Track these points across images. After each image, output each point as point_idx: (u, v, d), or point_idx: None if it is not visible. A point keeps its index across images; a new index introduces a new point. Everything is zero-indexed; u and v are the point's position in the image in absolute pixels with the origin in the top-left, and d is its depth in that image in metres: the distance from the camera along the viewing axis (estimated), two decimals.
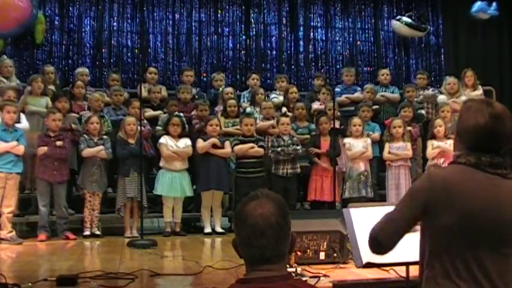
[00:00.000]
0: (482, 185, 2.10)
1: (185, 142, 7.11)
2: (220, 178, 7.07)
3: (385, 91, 8.73)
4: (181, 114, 7.47)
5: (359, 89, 8.79)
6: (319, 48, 10.51)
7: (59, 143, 6.59)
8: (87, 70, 8.60)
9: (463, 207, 2.08)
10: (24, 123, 6.84)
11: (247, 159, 7.15)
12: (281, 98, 8.37)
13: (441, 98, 8.38)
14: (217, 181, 7.04)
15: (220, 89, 8.41)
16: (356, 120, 7.46)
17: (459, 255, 2.09)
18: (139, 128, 6.73)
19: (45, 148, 6.63)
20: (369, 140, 7.44)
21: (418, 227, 2.26)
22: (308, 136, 7.70)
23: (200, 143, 7.07)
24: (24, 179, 7.03)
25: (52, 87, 7.92)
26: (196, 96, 8.35)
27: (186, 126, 7.43)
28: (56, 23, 9.70)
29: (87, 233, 6.77)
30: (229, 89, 8.25)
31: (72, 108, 7.44)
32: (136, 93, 7.86)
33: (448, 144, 6.95)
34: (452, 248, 2.10)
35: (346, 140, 7.39)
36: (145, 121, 7.25)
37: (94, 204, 6.86)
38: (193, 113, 7.81)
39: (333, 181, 7.07)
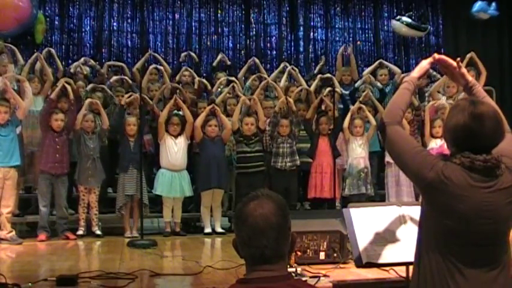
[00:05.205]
0: (476, 189, 2.10)
1: (182, 140, 7.09)
2: (221, 176, 7.06)
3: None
4: (180, 113, 7.48)
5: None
6: (319, 48, 10.51)
7: None
8: (88, 68, 8.60)
9: (458, 211, 2.10)
10: (28, 92, 6.86)
11: (247, 154, 7.15)
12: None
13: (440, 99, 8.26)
14: (218, 180, 7.03)
15: (219, 89, 8.40)
16: (357, 121, 7.45)
17: (450, 254, 2.11)
18: (142, 127, 6.76)
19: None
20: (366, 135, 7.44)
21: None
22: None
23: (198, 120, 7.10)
24: (19, 176, 6.94)
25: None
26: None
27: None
28: (56, 23, 9.72)
29: (80, 232, 6.78)
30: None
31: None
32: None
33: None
34: (444, 247, 2.12)
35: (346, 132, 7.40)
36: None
37: (92, 202, 6.87)
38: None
39: (332, 178, 7.08)
